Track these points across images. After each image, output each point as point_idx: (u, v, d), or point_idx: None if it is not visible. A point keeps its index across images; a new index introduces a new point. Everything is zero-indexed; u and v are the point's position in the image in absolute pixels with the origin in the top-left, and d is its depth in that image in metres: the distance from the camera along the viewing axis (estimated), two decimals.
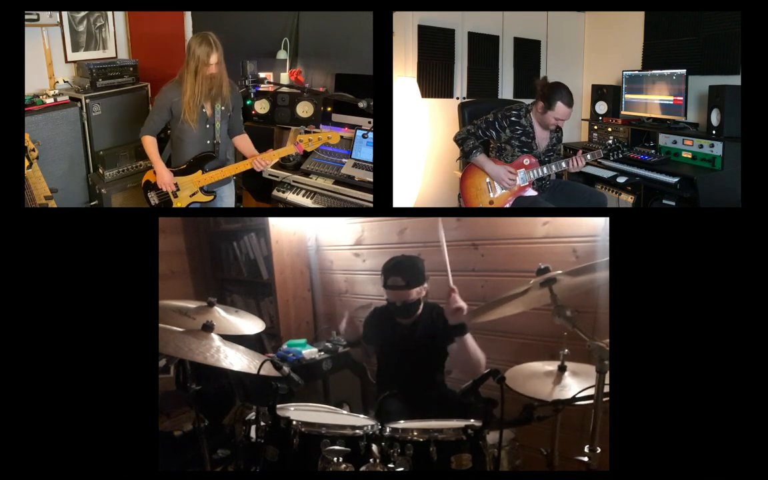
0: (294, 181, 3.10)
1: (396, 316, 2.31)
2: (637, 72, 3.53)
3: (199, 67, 2.55)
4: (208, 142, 2.74)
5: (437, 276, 2.35)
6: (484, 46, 3.85)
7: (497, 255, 2.70)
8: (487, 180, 2.71)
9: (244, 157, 2.85)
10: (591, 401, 1.67)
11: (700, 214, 2.34)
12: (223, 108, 2.71)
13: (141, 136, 2.73)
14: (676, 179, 2.90)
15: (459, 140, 2.74)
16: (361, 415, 1.92)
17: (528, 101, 2.76)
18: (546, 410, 1.77)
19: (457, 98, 3.78)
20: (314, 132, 2.91)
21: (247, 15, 3.53)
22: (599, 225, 2.31)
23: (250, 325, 2.42)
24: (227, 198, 2.89)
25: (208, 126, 2.71)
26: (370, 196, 2.83)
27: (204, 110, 2.67)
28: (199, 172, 2.73)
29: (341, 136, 3.20)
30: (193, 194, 2.75)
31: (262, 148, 2.87)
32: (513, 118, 2.67)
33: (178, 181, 2.73)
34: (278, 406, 1.75)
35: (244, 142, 2.87)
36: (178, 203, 2.76)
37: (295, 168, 3.13)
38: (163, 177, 2.71)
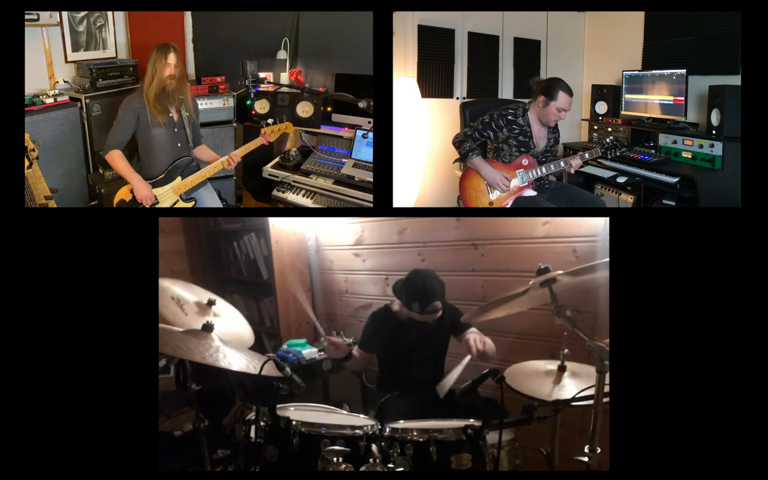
0: (294, 181, 3.10)
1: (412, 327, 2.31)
2: (637, 72, 3.53)
3: (158, 67, 2.60)
4: (179, 145, 2.74)
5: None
6: (484, 46, 3.84)
7: (497, 255, 2.70)
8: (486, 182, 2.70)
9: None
10: (591, 401, 1.67)
11: (700, 214, 2.34)
12: (188, 114, 2.75)
13: (106, 153, 2.67)
14: (676, 179, 2.90)
15: (456, 143, 2.74)
16: (361, 415, 1.92)
17: (526, 101, 2.76)
18: (546, 410, 1.77)
19: (457, 98, 3.78)
20: (275, 123, 2.95)
21: (247, 15, 3.53)
22: (599, 225, 2.31)
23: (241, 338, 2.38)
24: (209, 201, 2.87)
25: (176, 130, 2.72)
26: (370, 196, 2.83)
27: (171, 115, 2.68)
28: (179, 178, 2.71)
29: (342, 136, 3.22)
30: (174, 204, 2.72)
31: (262, 147, 2.87)
32: (510, 117, 2.66)
33: (156, 193, 2.67)
34: (278, 406, 1.75)
35: (206, 151, 2.91)
36: None
37: (295, 168, 3.13)
38: (141, 190, 2.64)
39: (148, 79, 2.63)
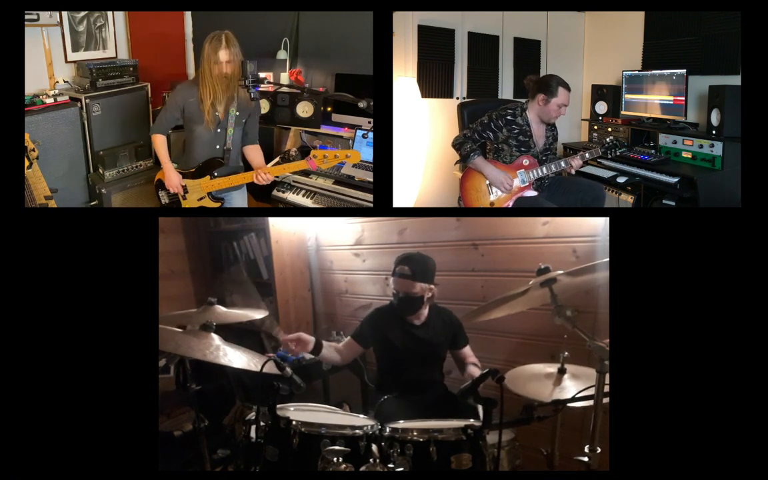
0: (294, 181, 3.10)
1: (400, 311, 2.30)
2: (637, 72, 3.53)
3: (211, 66, 2.50)
4: (218, 146, 2.67)
5: (440, 276, 2.35)
6: (484, 46, 3.84)
7: (497, 255, 2.70)
8: (487, 182, 2.70)
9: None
10: (591, 402, 1.67)
11: (700, 214, 2.34)
12: (237, 113, 2.63)
13: (151, 134, 2.72)
14: (676, 179, 2.90)
15: (456, 145, 2.74)
16: (361, 415, 1.92)
17: (524, 100, 2.76)
18: (546, 410, 1.77)
19: (457, 98, 3.78)
20: (330, 149, 2.74)
21: (247, 15, 3.53)
22: (599, 225, 2.31)
23: (254, 313, 2.41)
24: (238, 204, 2.84)
25: (219, 130, 2.64)
26: (370, 196, 2.83)
27: (217, 113, 2.59)
28: (208, 177, 2.68)
29: (342, 136, 3.22)
30: (201, 199, 2.71)
31: (261, 147, 2.86)
32: (509, 117, 2.67)
33: (187, 184, 2.69)
34: (278, 406, 1.75)
35: (254, 152, 2.78)
36: (186, 206, 2.73)
37: None
38: (171, 179, 2.67)
39: (202, 77, 2.54)
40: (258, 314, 2.58)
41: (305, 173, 3.07)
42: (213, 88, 2.53)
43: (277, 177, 2.93)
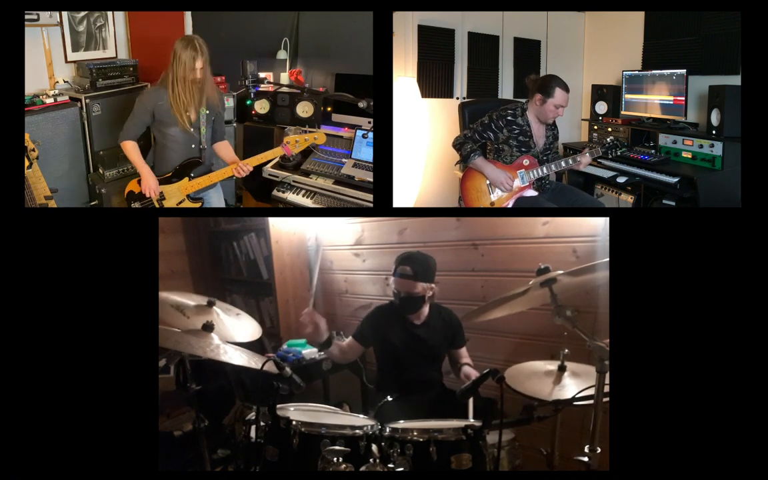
0: (294, 181, 3.10)
1: (402, 310, 2.30)
2: (637, 72, 3.53)
3: (186, 73, 2.52)
4: (193, 146, 2.70)
5: (440, 276, 2.35)
6: (484, 46, 3.85)
7: (497, 255, 2.70)
8: (487, 182, 2.70)
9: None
10: (591, 401, 1.67)
11: (700, 214, 2.34)
12: (207, 112, 2.68)
13: (121, 141, 2.67)
14: (676, 179, 2.90)
15: (457, 145, 2.74)
16: (361, 415, 1.92)
17: (524, 100, 2.76)
18: (546, 410, 1.77)
19: (457, 98, 3.78)
20: (301, 133, 2.86)
21: (247, 15, 3.54)
22: (599, 225, 2.31)
23: (248, 331, 2.39)
24: (217, 202, 2.86)
25: (192, 130, 2.66)
26: (370, 196, 2.83)
27: (188, 114, 2.63)
28: (186, 179, 2.68)
29: (342, 136, 3.22)
30: (180, 202, 2.70)
31: (262, 148, 2.86)
32: (509, 118, 2.67)
33: (164, 190, 2.67)
34: (278, 406, 1.75)
35: (225, 148, 2.83)
36: None
37: (295, 168, 3.13)
38: (149, 182, 2.64)
39: (171, 81, 2.55)
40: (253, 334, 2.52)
41: (305, 173, 3.07)
42: (192, 95, 2.57)
43: (272, 171, 2.96)
